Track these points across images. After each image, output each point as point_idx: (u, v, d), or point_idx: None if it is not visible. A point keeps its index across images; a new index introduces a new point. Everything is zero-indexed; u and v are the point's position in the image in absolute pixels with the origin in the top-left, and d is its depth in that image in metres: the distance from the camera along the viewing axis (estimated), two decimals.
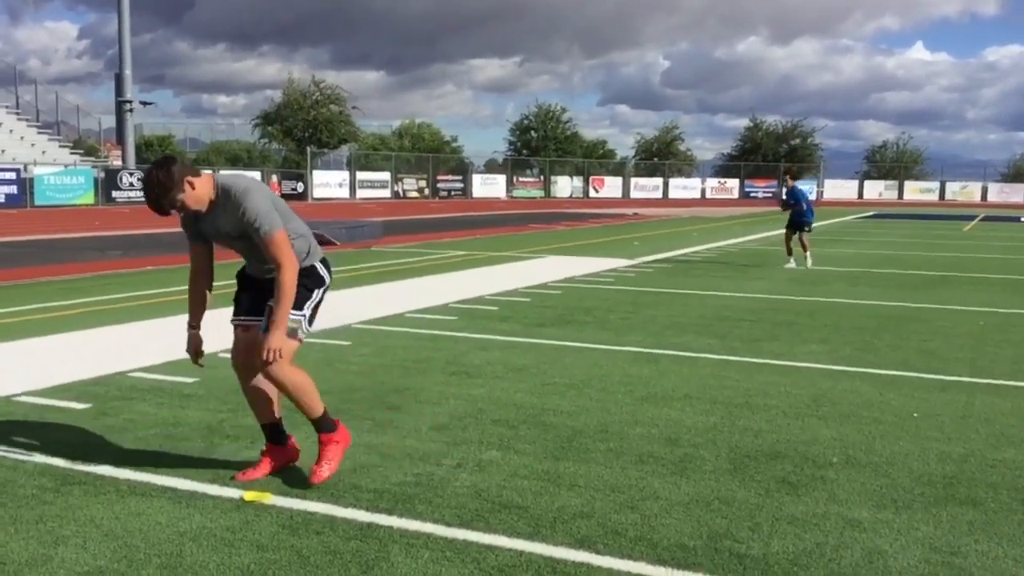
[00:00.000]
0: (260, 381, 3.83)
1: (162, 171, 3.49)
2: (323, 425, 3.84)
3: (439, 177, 50.96)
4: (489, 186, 52.70)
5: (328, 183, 43.98)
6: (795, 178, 15.19)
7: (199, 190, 3.57)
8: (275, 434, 3.95)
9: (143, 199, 3.66)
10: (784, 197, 14.55)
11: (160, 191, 3.49)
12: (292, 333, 3.70)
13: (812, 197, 14.94)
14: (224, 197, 3.61)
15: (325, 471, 3.79)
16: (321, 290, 3.93)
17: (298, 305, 3.72)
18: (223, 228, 3.70)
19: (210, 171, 3.81)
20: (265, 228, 3.57)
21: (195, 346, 4.00)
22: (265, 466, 3.90)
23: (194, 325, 3.99)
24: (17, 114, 36.97)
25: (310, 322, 3.84)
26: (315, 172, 44.40)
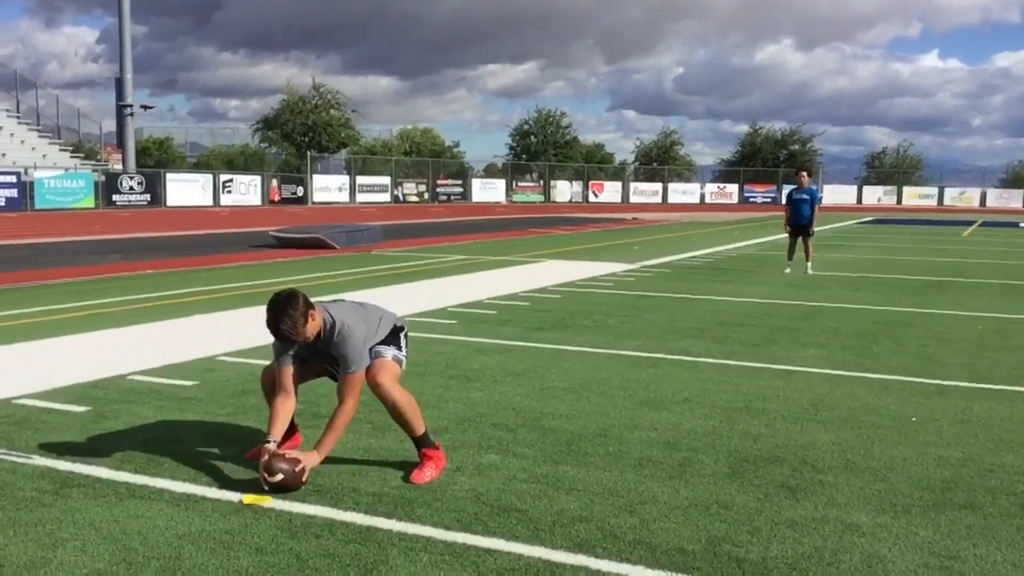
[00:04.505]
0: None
1: (292, 306, 3.76)
2: (424, 442, 4.08)
3: (439, 181, 51.01)
4: (489, 190, 52.74)
5: (328, 187, 44.04)
6: (810, 175, 14.48)
7: (316, 322, 3.86)
8: (289, 428, 4.26)
9: (266, 324, 3.85)
10: (800, 197, 13.72)
11: (292, 323, 3.75)
12: (397, 361, 4.14)
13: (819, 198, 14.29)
14: (330, 331, 3.91)
15: (426, 476, 3.97)
16: (402, 335, 4.29)
17: (398, 347, 4.20)
18: (323, 353, 4.02)
19: (318, 302, 4.01)
20: (352, 369, 3.92)
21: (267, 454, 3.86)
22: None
23: (274, 440, 3.92)
24: (18, 118, 37.02)
25: (406, 349, 4.30)
26: (315, 176, 44.45)
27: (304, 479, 3.77)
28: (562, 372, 6.23)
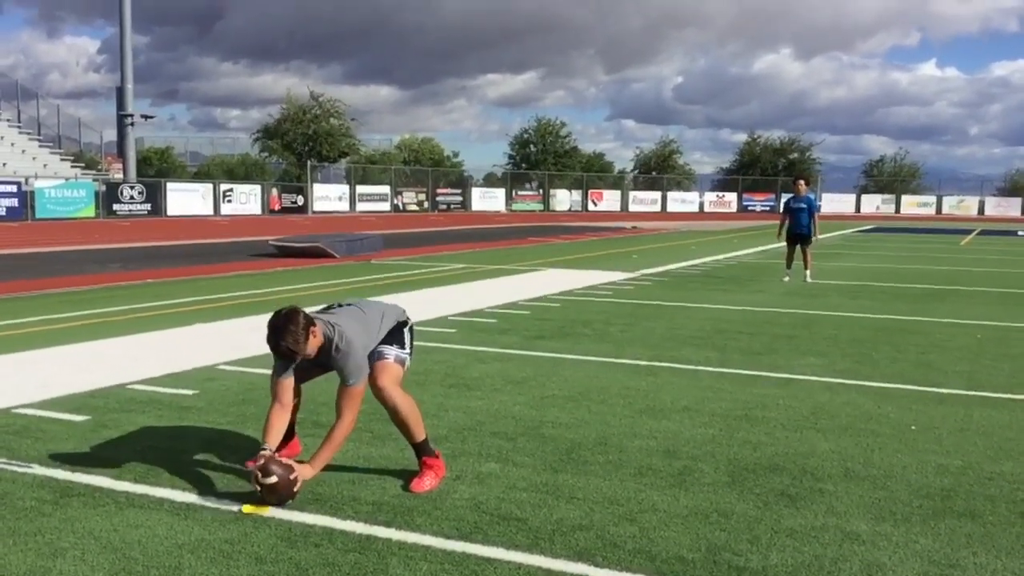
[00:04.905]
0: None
1: (293, 323, 3.76)
2: (425, 450, 4.08)
3: (438, 190, 51.05)
4: (488, 200, 52.79)
5: (328, 196, 44.07)
6: (808, 184, 14.55)
7: (317, 338, 3.85)
8: (288, 433, 4.28)
9: (266, 342, 3.85)
10: (798, 205, 13.75)
11: (293, 341, 3.75)
12: (400, 362, 4.13)
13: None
14: (330, 346, 3.90)
15: (426, 484, 3.97)
16: (406, 329, 4.29)
17: (401, 344, 4.19)
18: (324, 366, 4.03)
19: (320, 317, 4.00)
20: (351, 382, 3.92)
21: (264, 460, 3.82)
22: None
23: (269, 448, 3.87)
24: (19, 128, 37.09)
25: (411, 345, 4.30)
26: (315, 185, 44.49)
27: (296, 489, 3.73)
28: (562, 381, 6.23)
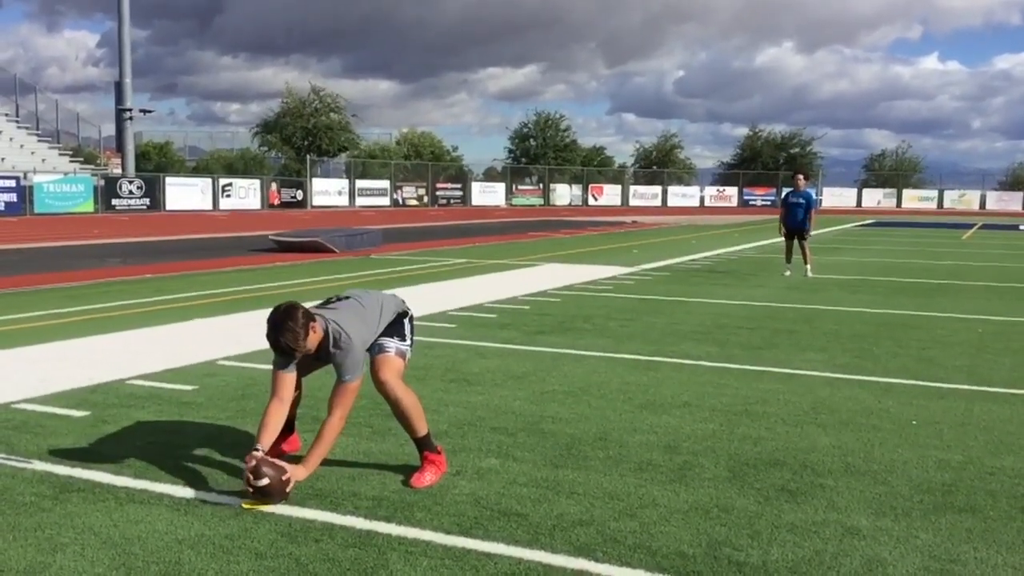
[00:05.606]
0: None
1: (292, 319, 3.74)
2: (427, 445, 4.08)
3: (438, 185, 51.02)
4: (488, 194, 52.75)
5: (327, 191, 44.02)
6: (807, 179, 14.79)
7: (317, 334, 3.83)
8: (288, 427, 4.30)
9: (266, 337, 3.83)
10: (796, 200, 13.86)
11: (293, 337, 3.73)
12: (401, 355, 4.12)
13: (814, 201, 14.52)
14: (327, 341, 3.88)
15: (426, 479, 3.96)
16: (406, 320, 4.27)
17: (401, 336, 4.17)
18: (323, 361, 4.02)
19: (319, 312, 3.98)
20: (347, 378, 3.89)
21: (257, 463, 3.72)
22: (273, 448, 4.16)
23: (261, 448, 3.80)
24: (17, 122, 37.02)
25: (411, 336, 4.28)
26: (314, 180, 44.44)
27: (288, 490, 3.69)
28: (562, 376, 6.22)
